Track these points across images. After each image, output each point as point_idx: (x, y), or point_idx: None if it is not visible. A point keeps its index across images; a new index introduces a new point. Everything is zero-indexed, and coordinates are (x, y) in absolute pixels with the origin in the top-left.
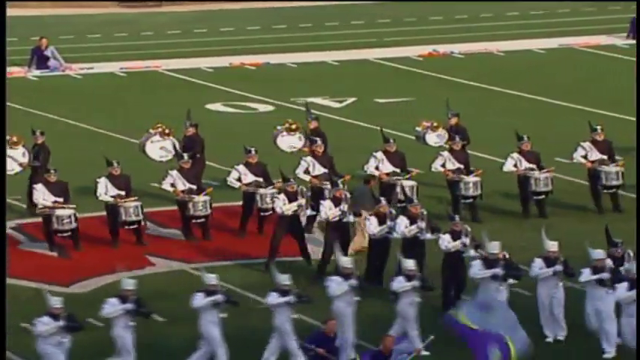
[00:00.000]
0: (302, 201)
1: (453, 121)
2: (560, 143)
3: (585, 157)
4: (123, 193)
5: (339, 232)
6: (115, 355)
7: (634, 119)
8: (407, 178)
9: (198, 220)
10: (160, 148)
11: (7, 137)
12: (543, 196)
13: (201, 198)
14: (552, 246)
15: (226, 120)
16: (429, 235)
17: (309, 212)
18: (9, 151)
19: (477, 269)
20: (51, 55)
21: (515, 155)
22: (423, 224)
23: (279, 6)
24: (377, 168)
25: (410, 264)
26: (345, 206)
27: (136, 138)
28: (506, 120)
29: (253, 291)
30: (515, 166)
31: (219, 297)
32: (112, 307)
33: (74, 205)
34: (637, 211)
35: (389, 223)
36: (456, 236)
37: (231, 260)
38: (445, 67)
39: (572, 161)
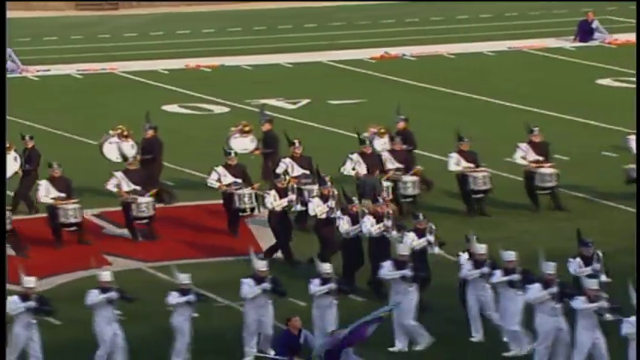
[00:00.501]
0: (292, 197)
1: (401, 125)
2: (509, 144)
3: (524, 157)
4: (63, 195)
5: (328, 229)
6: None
7: (584, 120)
8: (386, 179)
9: (142, 221)
10: (118, 149)
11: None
12: (482, 195)
13: (144, 199)
14: (481, 249)
15: (182, 121)
16: (395, 233)
17: (298, 208)
18: None
19: (386, 270)
20: (8, 58)
21: (455, 155)
22: (389, 223)
23: (234, 9)
24: (354, 169)
25: (326, 267)
26: (332, 203)
27: (93, 139)
28: (456, 121)
29: (209, 289)
30: (458, 164)
31: (112, 294)
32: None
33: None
34: (637, 211)
35: (385, 222)
36: (420, 234)
37: (188, 259)
38: (397, 69)
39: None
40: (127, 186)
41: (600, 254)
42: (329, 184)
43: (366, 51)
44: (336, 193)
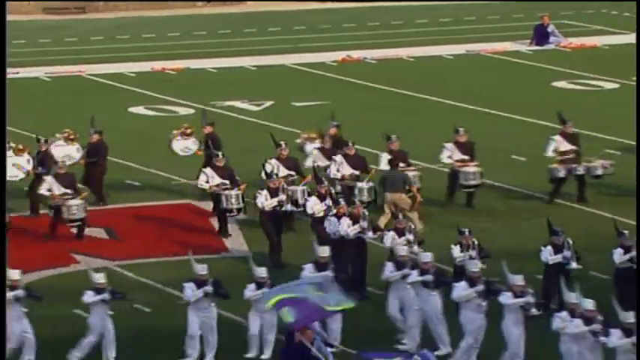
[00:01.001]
0: (283, 197)
1: (332, 131)
2: None
3: (450, 157)
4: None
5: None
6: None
7: (540, 122)
8: (368, 180)
9: (74, 224)
10: (64, 153)
11: (12, 145)
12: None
13: (75, 202)
14: (402, 250)
15: (148, 122)
16: (370, 234)
17: (289, 207)
18: (14, 158)
19: (307, 271)
20: None
21: (385, 154)
22: (365, 224)
23: (199, 13)
24: (338, 171)
25: (262, 271)
26: (329, 201)
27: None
28: (415, 121)
29: (174, 287)
30: (338, 170)
31: (19, 292)
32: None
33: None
34: (637, 210)
35: (361, 223)
36: (400, 233)
37: (153, 257)
38: (358, 71)
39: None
40: (57, 190)
41: (570, 242)
42: (326, 183)
43: (328, 54)
44: (333, 191)
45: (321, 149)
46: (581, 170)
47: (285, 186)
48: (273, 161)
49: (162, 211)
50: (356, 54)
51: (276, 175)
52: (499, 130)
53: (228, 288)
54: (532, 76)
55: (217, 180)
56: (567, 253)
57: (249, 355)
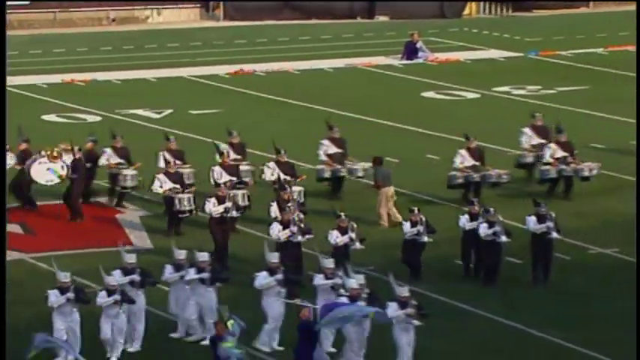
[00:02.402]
0: (229, 204)
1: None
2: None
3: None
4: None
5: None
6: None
7: (411, 128)
8: (296, 184)
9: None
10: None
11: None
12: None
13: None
14: (180, 254)
15: (60, 129)
16: (300, 238)
17: (234, 214)
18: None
19: (167, 273)
20: None
21: (272, 164)
22: (294, 228)
23: (104, 31)
24: (272, 175)
25: (180, 253)
26: (292, 206)
27: None
28: (300, 129)
29: (83, 277)
30: (272, 174)
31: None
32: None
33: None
34: (637, 210)
35: (291, 227)
36: (343, 232)
37: (64, 250)
38: (249, 83)
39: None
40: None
41: (553, 215)
42: (289, 189)
43: (222, 67)
44: (295, 197)
45: (222, 164)
46: (477, 178)
47: (231, 193)
48: (217, 168)
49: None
50: (247, 67)
51: (224, 183)
52: (374, 135)
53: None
54: (404, 87)
55: (169, 184)
56: (550, 224)
57: (109, 355)
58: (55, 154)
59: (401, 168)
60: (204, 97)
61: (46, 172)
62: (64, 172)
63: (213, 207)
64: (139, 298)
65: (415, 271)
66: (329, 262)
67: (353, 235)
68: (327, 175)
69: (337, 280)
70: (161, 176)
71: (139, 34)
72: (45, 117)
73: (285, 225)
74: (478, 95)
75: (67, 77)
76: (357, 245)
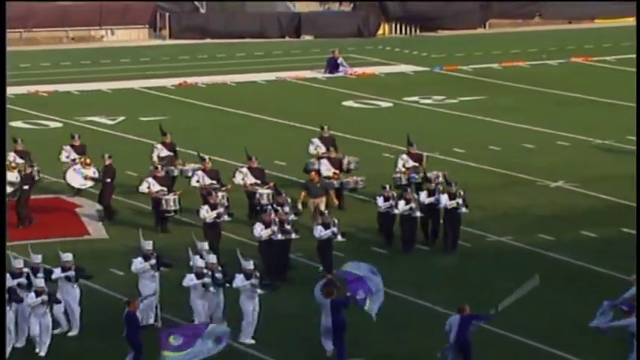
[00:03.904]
0: (221, 210)
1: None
2: (281, 152)
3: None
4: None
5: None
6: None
7: (334, 133)
8: (266, 188)
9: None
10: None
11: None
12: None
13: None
14: (66, 257)
15: (25, 134)
16: (279, 236)
17: (226, 218)
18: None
19: (138, 264)
20: None
21: (245, 170)
22: (275, 227)
23: (65, 48)
24: (243, 179)
25: (148, 243)
26: (287, 209)
27: None
28: (237, 135)
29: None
30: (243, 179)
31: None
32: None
33: None
34: (637, 208)
35: (333, 228)
36: (326, 226)
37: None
38: (192, 94)
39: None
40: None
41: (336, 220)
42: (284, 194)
43: (168, 80)
44: (289, 200)
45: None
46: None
47: (223, 200)
48: (200, 173)
49: (38, 203)
50: (190, 80)
51: (215, 190)
52: (300, 139)
53: (88, 265)
54: (327, 97)
55: (157, 187)
56: (460, 200)
57: (37, 351)
58: (87, 161)
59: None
60: (153, 105)
61: (78, 176)
62: (89, 173)
63: (206, 213)
64: (75, 290)
65: (388, 242)
66: (249, 264)
67: (335, 230)
68: (404, 181)
69: (254, 281)
70: (150, 179)
71: (95, 51)
72: (12, 123)
73: (267, 225)
74: (391, 104)
75: (32, 89)
76: (339, 238)
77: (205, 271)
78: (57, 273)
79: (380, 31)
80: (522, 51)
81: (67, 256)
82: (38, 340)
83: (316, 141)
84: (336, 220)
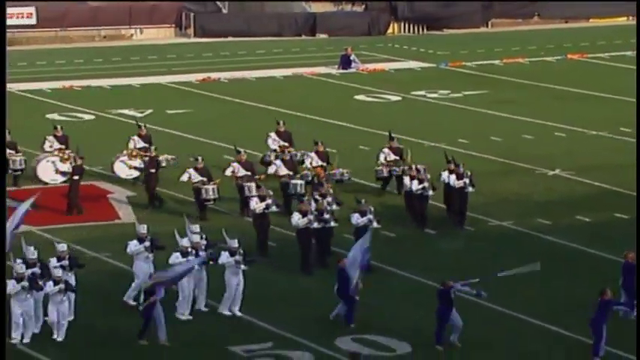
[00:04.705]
0: (269, 201)
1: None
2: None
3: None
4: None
5: (263, 220)
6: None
7: (347, 124)
8: (257, 179)
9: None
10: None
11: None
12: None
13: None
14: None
15: (62, 125)
16: (316, 225)
17: (274, 209)
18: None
19: (132, 246)
20: None
21: (236, 164)
22: (312, 216)
23: (97, 46)
24: (233, 172)
25: (142, 227)
26: (330, 198)
27: None
28: (255, 125)
29: (81, 245)
30: (233, 172)
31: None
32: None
33: None
34: (637, 207)
35: (369, 215)
36: (363, 214)
37: (65, 224)
38: (215, 88)
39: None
40: (195, 177)
41: (372, 208)
42: (326, 185)
43: (193, 75)
44: (331, 191)
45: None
46: (399, 172)
47: (271, 192)
48: (235, 164)
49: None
50: (213, 75)
51: (260, 183)
52: (316, 130)
53: (118, 247)
54: (340, 91)
55: (198, 177)
56: (370, 217)
57: (54, 336)
58: (134, 153)
59: (339, 156)
60: (178, 99)
61: (124, 167)
62: (132, 164)
63: (256, 204)
64: (71, 279)
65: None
66: (234, 242)
67: (371, 217)
68: (385, 174)
69: (238, 257)
70: (191, 170)
71: (125, 49)
72: (48, 116)
73: (304, 214)
74: (400, 98)
75: (67, 84)
76: (375, 224)
77: (190, 250)
78: (53, 262)
79: (389, 30)
80: (522, 48)
81: (62, 247)
82: (56, 326)
83: (273, 135)
84: (372, 208)
